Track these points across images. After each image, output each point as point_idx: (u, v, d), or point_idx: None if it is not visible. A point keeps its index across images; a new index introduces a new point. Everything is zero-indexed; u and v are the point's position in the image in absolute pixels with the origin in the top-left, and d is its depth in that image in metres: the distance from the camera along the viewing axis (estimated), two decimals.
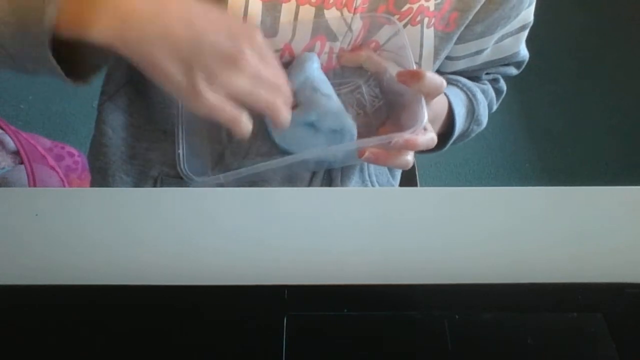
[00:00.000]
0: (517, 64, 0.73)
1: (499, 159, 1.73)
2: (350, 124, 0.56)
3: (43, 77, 0.46)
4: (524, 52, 0.70)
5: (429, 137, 0.54)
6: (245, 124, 0.46)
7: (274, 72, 0.46)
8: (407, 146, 0.52)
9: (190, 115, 0.54)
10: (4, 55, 0.43)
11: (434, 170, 1.68)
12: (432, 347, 0.37)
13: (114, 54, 0.43)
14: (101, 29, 0.41)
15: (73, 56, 0.45)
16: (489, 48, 0.65)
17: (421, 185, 0.93)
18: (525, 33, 0.66)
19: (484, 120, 0.73)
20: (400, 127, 0.53)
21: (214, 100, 0.43)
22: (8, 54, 0.43)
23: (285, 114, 0.47)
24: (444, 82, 0.53)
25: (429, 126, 0.55)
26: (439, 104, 0.64)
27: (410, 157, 0.56)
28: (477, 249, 0.44)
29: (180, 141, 0.52)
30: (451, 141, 0.70)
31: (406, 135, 0.51)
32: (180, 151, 0.51)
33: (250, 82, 0.44)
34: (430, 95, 0.53)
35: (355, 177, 0.69)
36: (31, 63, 0.44)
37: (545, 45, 1.94)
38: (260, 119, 0.61)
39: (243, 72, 0.44)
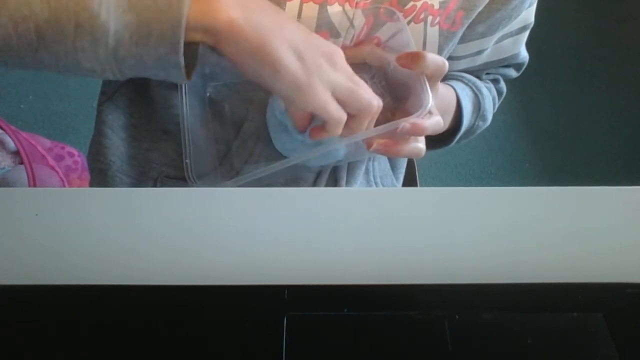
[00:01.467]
0: (517, 66, 0.73)
1: (499, 159, 1.73)
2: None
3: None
4: (524, 54, 0.70)
5: (435, 121, 0.53)
6: (343, 125, 0.47)
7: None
8: (414, 131, 0.51)
9: (194, 118, 0.55)
10: (110, 63, 0.42)
11: (434, 170, 1.68)
12: (432, 347, 0.37)
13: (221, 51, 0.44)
14: (225, 16, 0.41)
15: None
16: (489, 48, 0.65)
17: (421, 185, 0.93)
18: (526, 34, 0.66)
19: (489, 116, 0.73)
20: (407, 116, 0.51)
21: (325, 96, 0.45)
22: (117, 60, 0.42)
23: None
24: (446, 62, 0.52)
25: (434, 110, 0.54)
26: (448, 97, 0.64)
27: (421, 144, 0.54)
28: (477, 249, 0.44)
29: (188, 149, 0.52)
30: (458, 136, 0.69)
31: (412, 119, 0.50)
32: (189, 160, 0.52)
33: (348, 83, 0.46)
34: (434, 77, 0.52)
35: (360, 179, 0.69)
36: (143, 67, 0.43)
37: (545, 45, 1.94)
38: (263, 122, 0.61)
39: (340, 71, 0.46)
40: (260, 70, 0.44)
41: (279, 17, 0.44)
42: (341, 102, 0.46)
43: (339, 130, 0.47)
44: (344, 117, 0.47)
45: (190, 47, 0.44)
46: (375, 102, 0.47)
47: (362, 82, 0.48)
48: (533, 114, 1.84)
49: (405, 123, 0.50)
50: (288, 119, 0.54)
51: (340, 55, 0.47)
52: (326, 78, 0.45)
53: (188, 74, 0.45)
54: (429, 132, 0.52)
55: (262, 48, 0.42)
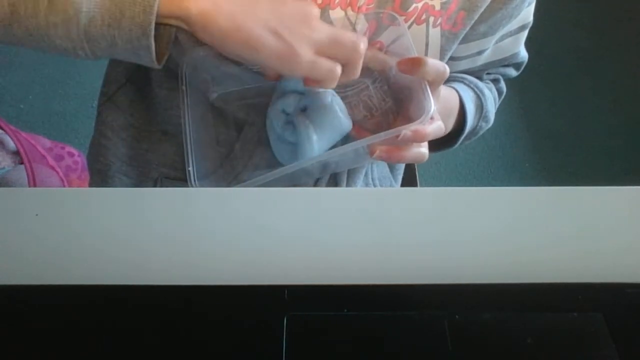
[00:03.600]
0: (517, 65, 0.73)
1: (499, 159, 1.73)
2: (344, 121, 0.55)
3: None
4: (523, 53, 0.70)
5: (437, 126, 0.53)
6: (339, 75, 0.48)
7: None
8: (416, 138, 0.51)
9: (196, 122, 0.54)
10: (81, 45, 0.44)
11: (434, 170, 1.68)
12: (432, 347, 0.37)
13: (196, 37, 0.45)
14: (196, 6, 0.44)
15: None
16: (490, 48, 0.65)
17: (421, 185, 0.93)
18: (525, 33, 0.66)
19: (492, 117, 0.72)
20: (409, 122, 0.51)
21: (310, 57, 0.46)
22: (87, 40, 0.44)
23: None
24: (447, 68, 0.52)
25: (435, 114, 0.54)
26: (451, 100, 0.64)
27: (424, 149, 0.54)
28: (477, 248, 0.44)
29: (191, 158, 0.52)
30: (462, 138, 0.69)
31: (413, 127, 0.49)
32: (191, 168, 0.52)
33: (329, 36, 0.47)
34: (435, 82, 0.52)
35: (360, 182, 0.69)
36: (114, 49, 0.45)
37: (545, 45, 1.94)
38: (264, 126, 0.61)
39: (317, 29, 0.47)
40: (240, 52, 0.46)
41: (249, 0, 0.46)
42: (328, 56, 0.47)
43: (334, 83, 0.48)
44: (336, 68, 0.48)
45: (164, 32, 0.45)
46: (360, 42, 0.48)
47: (341, 31, 0.49)
48: (533, 114, 1.84)
49: (406, 130, 0.49)
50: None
51: (313, 15, 0.48)
52: (306, 40, 0.46)
53: (159, 59, 0.46)
54: (430, 138, 0.52)
55: (237, 32, 0.45)
